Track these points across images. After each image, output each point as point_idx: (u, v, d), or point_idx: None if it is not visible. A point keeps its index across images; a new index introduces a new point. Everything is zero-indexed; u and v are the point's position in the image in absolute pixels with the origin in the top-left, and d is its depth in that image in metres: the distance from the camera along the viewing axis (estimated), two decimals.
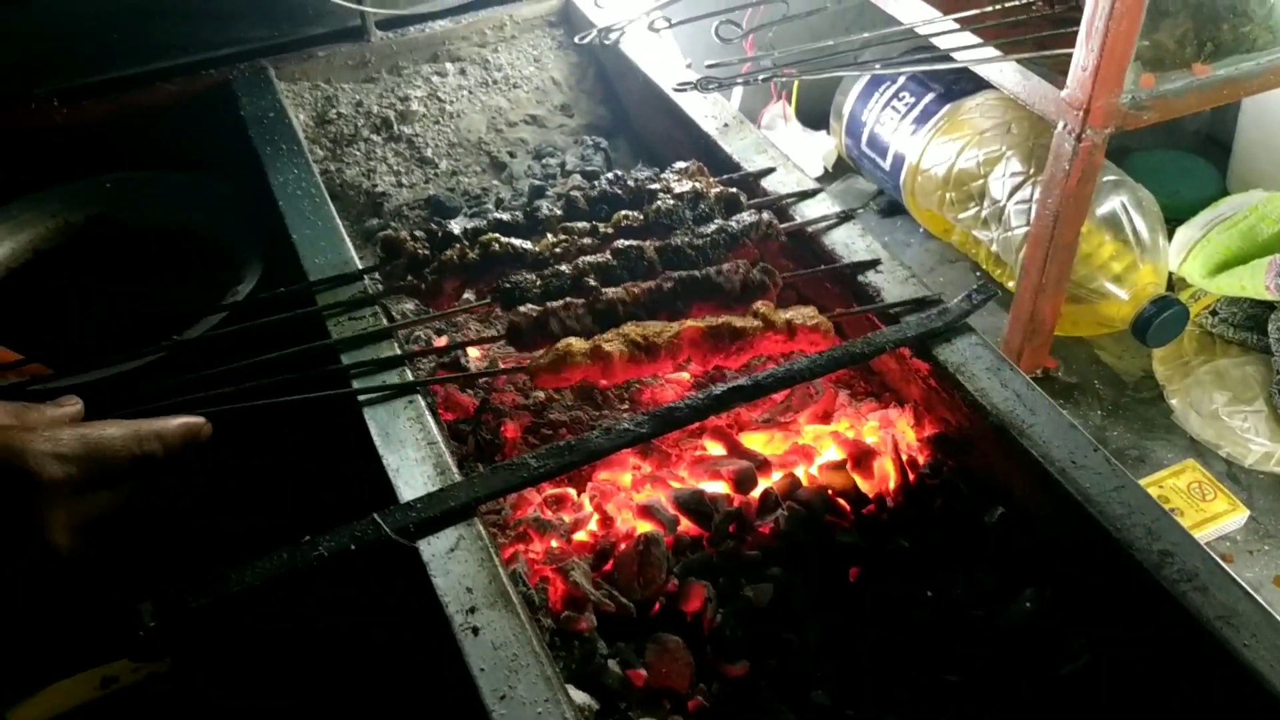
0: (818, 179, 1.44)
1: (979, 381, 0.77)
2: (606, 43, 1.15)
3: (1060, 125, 1.01)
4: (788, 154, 1.06)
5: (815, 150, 1.45)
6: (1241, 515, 1.02)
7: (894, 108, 1.31)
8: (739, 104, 1.46)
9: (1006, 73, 1.06)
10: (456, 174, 1.15)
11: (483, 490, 0.70)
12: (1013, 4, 1.12)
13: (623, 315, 0.82)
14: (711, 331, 0.80)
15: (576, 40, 1.16)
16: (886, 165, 1.33)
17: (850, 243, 0.91)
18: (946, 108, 1.26)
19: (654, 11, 1.16)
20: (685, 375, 0.91)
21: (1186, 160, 1.43)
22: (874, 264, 0.88)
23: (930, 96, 1.28)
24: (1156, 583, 0.66)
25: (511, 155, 1.18)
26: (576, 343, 0.79)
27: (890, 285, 0.86)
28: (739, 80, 1.10)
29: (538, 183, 1.13)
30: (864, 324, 0.86)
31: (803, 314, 0.83)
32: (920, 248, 1.36)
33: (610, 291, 0.83)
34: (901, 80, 1.32)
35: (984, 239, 1.22)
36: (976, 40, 1.09)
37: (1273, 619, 0.64)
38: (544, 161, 1.16)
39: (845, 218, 0.93)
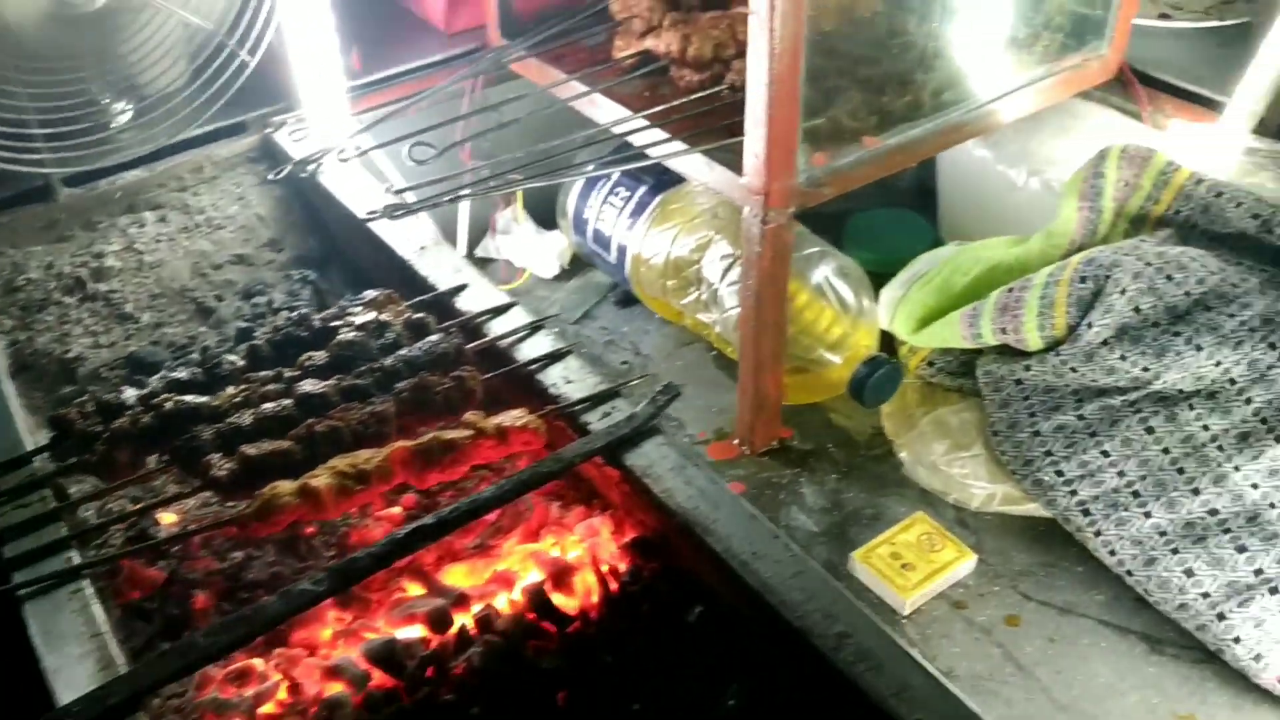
0: (555, 277, 1.47)
1: (665, 483, 0.78)
2: (303, 175, 1.14)
3: (746, 210, 1.05)
4: (516, 257, 1.06)
5: (550, 249, 1.46)
6: (970, 560, 1.05)
7: (611, 203, 1.33)
8: (470, 211, 1.46)
9: (695, 164, 1.10)
10: (160, 325, 1.11)
11: (147, 680, 0.66)
12: (701, 94, 1.17)
13: (326, 448, 0.81)
14: (421, 449, 0.79)
15: (270, 177, 1.15)
16: (612, 259, 1.35)
17: (543, 349, 0.91)
18: (659, 198, 1.29)
19: (350, 139, 1.16)
20: (396, 509, 0.90)
21: (902, 216, 1.50)
22: (561, 356, 0.88)
23: (643, 189, 1.31)
24: (835, 666, 0.67)
25: (219, 299, 1.15)
26: (283, 485, 0.77)
27: (580, 380, 0.87)
28: (431, 203, 1.10)
29: (245, 324, 1.10)
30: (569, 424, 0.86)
31: (512, 416, 0.83)
32: (658, 333, 1.38)
33: (312, 425, 0.81)
34: (616, 176, 1.34)
35: (708, 321, 1.24)
36: (665, 136, 1.12)
37: (944, 690, 0.66)
38: (253, 301, 1.14)
39: (535, 328, 0.93)
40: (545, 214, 1.50)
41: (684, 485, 0.77)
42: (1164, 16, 1.35)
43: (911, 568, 1.03)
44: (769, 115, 0.97)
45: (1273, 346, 0.97)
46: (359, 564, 0.72)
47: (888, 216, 1.51)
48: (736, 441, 1.20)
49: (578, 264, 1.49)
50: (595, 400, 0.83)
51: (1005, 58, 1.19)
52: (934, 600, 1.03)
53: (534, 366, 0.88)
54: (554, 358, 0.87)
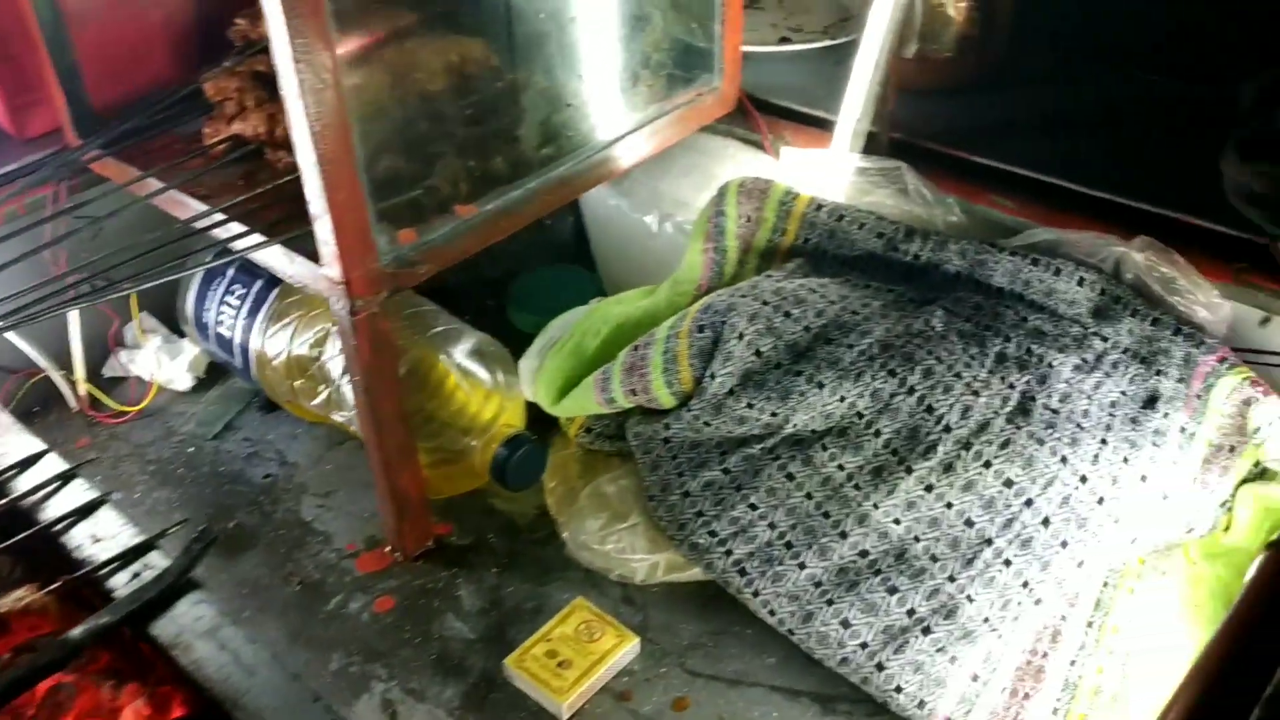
0: (193, 388, 1.33)
1: (195, 652, 0.66)
2: None
3: (333, 302, 0.94)
4: (145, 372, 0.91)
5: (183, 360, 1.32)
6: (633, 644, 0.97)
7: (229, 303, 1.21)
8: (81, 327, 1.30)
9: (276, 256, 0.99)
10: None
11: None
12: (291, 178, 1.06)
13: None
14: None
15: None
16: (239, 363, 1.22)
17: (77, 502, 0.78)
18: (275, 292, 1.18)
19: None
20: None
21: (565, 272, 1.43)
22: (92, 509, 0.75)
23: (259, 284, 1.19)
24: None
25: None
26: None
27: (112, 536, 0.74)
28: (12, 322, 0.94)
29: None
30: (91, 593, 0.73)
31: (12, 599, 0.69)
32: (307, 437, 1.26)
33: None
34: (231, 272, 1.22)
35: (342, 420, 1.13)
36: (243, 228, 1.01)
37: None
38: None
39: (68, 478, 0.80)
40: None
41: (217, 652, 0.65)
42: (784, 40, 1.33)
43: (569, 664, 0.95)
44: (328, 199, 0.87)
45: (893, 374, 0.93)
46: None
47: (553, 275, 1.44)
48: (388, 549, 1.09)
49: (218, 371, 1.35)
50: (125, 559, 0.71)
51: (616, 102, 1.14)
52: (596, 696, 0.94)
53: (58, 528, 0.74)
54: (82, 513, 0.74)
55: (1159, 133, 1.20)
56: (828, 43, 1.30)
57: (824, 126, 1.18)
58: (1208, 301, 0.96)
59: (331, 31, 0.81)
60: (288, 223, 0.98)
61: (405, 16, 1.16)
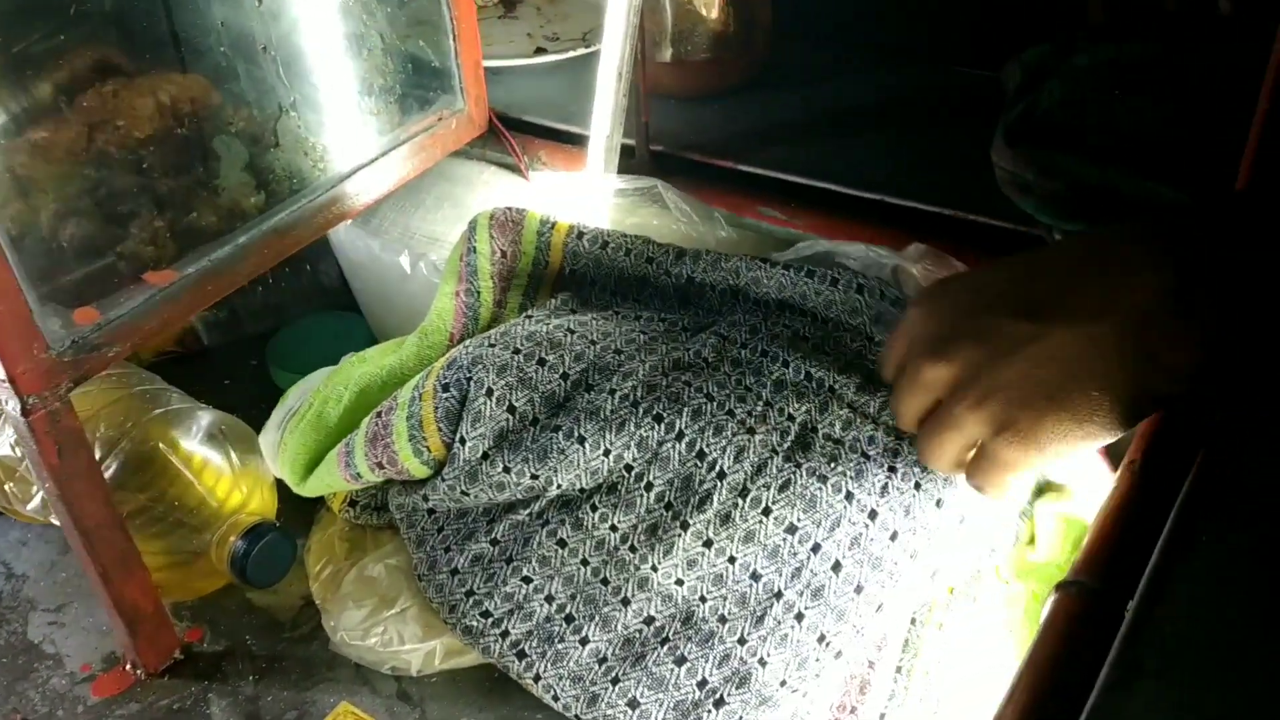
0: None
1: None
2: None
3: (4, 402, 0.80)
4: None
5: None
6: None
7: None
8: None
9: None
10: None
11: None
12: None
13: None
14: None
15: None
16: None
17: None
18: None
19: None
20: None
21: (332, 320, 1.30)
22: None
23: None
24: None
25: None
26: None
27: None
28: None
29: None
30: None
31: None
32: (38, 543, 1.10)
33: None
34: None
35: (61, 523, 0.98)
36: None
37: None
38: None
39: None
40: None
41: None
42: (540, 51, 1.23)
43: None
44: None
45: (659, 419, 0.83)
46: None
47: (318, 324, 1.30)
48: (129, 666, 0.95)
49: None
50: None
51: (340, 135, 1.02)
52: None
53: None
54: None
55: (931, 126, 1.13)
56: (584, 50, 1.20)
57: (585, 144, 1.08)
58: None
59: None
60: None
61: (105, 55, 1.02)
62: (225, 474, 0.97)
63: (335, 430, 0.95)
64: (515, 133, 1.11)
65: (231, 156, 0.95)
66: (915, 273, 0.88)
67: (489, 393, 0.85)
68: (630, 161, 1.03)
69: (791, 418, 0.83)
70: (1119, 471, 0.64)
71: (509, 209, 0.99)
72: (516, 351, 0.87)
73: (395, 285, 1.11)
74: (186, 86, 1.02)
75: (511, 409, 0.85)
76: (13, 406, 0.79)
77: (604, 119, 0.97)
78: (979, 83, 1.13)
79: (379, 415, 0.89)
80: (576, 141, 1.10)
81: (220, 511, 0.95)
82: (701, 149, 1.06)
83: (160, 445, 0.94)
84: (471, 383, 0.86)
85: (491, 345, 0.88)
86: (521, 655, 0.85)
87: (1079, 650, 0.53)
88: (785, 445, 0.82)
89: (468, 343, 0.90)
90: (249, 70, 1.02)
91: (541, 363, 0.87)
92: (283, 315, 1.32)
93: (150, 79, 1.01)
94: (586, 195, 1.00)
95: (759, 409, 0.83)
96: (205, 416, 0.99)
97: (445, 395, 0.86)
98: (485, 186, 1.10)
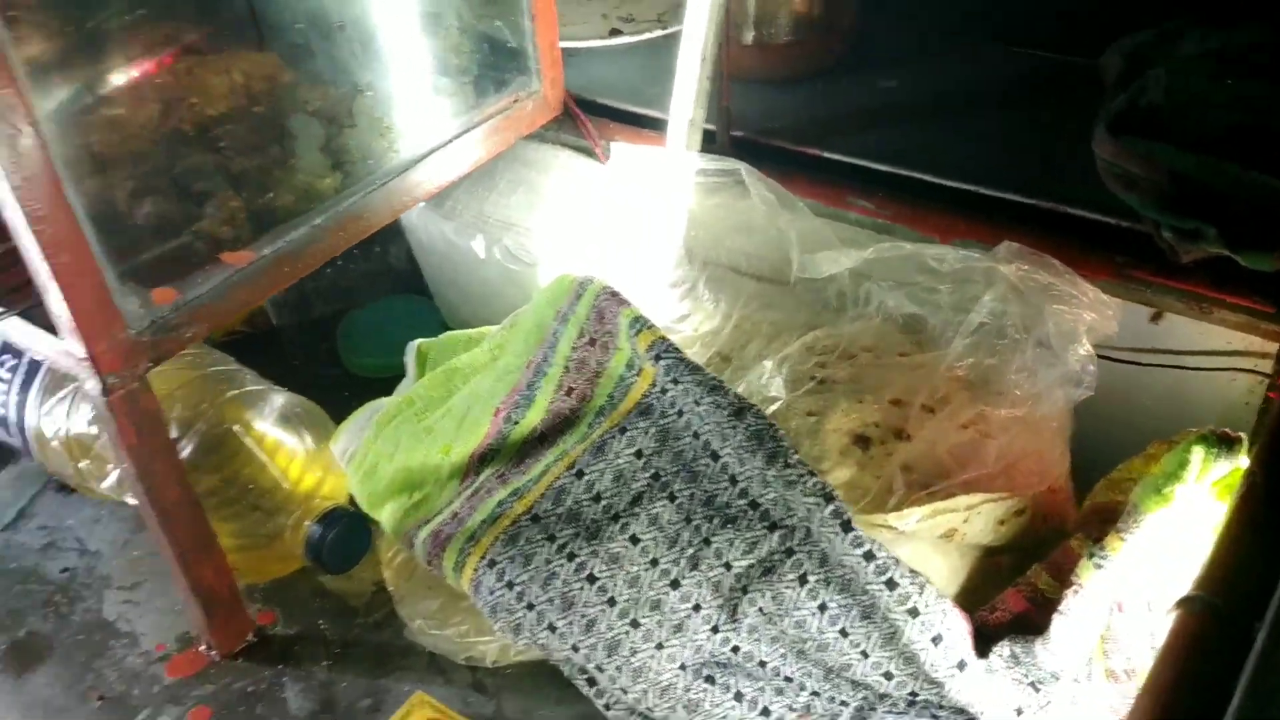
0: None
1: None
2: None
3: (83, 381, 0.80)
4: None
5: None
6: None
7: (1, 377, 1.05)
8: None
9: (18, 329, 0.84)
10: None
11: None
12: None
13: None
14: None
15: None
16: (19, 443, 1.06)
17: None
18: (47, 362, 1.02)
19: None
20: None
21: (401, 304, 1.29)
22: None
23: (30, 353, 1.03)
24: None
25: None
26: None
27: None
28: None
29: None
30: None
31: None
32: (111, 520, 1.11)
33: None
34: (2, 341, 1.06)
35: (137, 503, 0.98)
36: None
37: None
38: None
39: None
40: None
41: None
42: (615, 32, 1.20)
43: None
44: (50, 264, 0.73)
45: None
46: None
47: (389, 309, 1.30)
48: (203, 647, 0.95)
49: (8, 451, 1.19)
50: None
51: (415, 117, 1.00)
52: None
53: None
54: None
55: (1025, 114, 1.08)
56: (660, 32, 1.17)
57: (662, 128, 1.05)
58: (1094, 303, 0.85)
59: (19, 74, 0.66)
60: (28, 288, 0.84)
61: (185, 32, 1.02)
62: (299, 456, 0.96)
63: (385, 488, 0.90)
64: (589, 116, 1.09)
65: (308, 136, 0.94)
66: (1009, 275, 0.85)
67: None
68: (710, 147, 1.00)
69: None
70: (1240, 481, 0.61)
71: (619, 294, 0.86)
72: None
73: (468, 270, 1.10)
74: (260, 64, 1.02)
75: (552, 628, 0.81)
76: (92, 386, 0.79)
77: (686, 99, 0.94)
78: (1074, 69, 1.08)
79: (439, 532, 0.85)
80: (653, 125, 1.08)
81: (294, 494, 0.95)
82: (784, 135, 1.03)
83: (235, 427, 0.94)
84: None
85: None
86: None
87: (1204, 676, 0.50)
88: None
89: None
90: (326, 49, 1.01)
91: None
92: (352, 296, 1.31)
93: (224, 57, 1.01)
94: (663, 173, 0.97)
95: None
96: (279, 398, 0.98)
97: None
98: (560, 170, 1.08)
